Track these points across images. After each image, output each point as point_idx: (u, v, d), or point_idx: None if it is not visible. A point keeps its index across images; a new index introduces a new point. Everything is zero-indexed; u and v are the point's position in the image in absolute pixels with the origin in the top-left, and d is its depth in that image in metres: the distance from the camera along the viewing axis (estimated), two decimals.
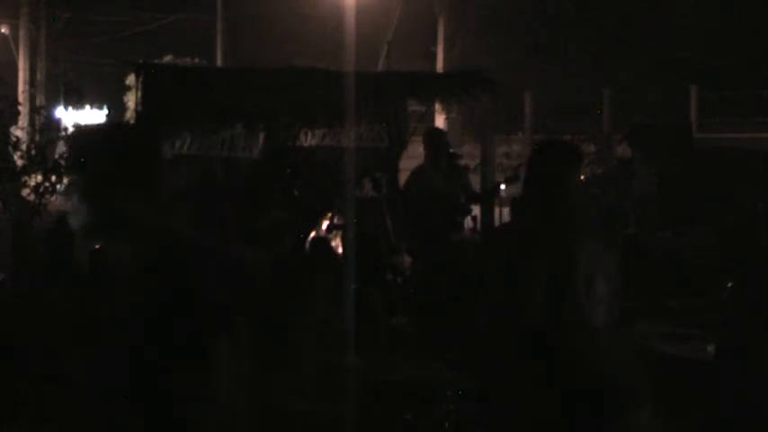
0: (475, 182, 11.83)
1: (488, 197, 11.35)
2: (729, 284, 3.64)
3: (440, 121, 22.01)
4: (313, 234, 9.44)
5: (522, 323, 3.34)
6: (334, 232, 10.13)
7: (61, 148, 13.07)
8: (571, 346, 3.20)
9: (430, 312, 9.19)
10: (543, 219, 3.87)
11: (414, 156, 12.86)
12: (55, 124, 16.31)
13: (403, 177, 11.89)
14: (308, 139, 11.19)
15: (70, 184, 11.70)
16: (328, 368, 6.31)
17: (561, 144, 4.42)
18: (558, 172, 3.89)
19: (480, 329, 4.00)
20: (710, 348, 5.82)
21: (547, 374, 3.19)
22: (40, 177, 12.10)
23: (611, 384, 3.17)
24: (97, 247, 3.56)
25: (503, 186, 9.86)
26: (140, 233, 2.90)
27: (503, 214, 11.47)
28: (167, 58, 26.23)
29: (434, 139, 9.94)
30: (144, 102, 9.99)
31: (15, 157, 12.42)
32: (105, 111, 23.76)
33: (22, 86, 26.30)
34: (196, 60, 27.75)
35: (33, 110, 20.15)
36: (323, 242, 8.66)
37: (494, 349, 3.75)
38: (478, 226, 10.81)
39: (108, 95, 24.86)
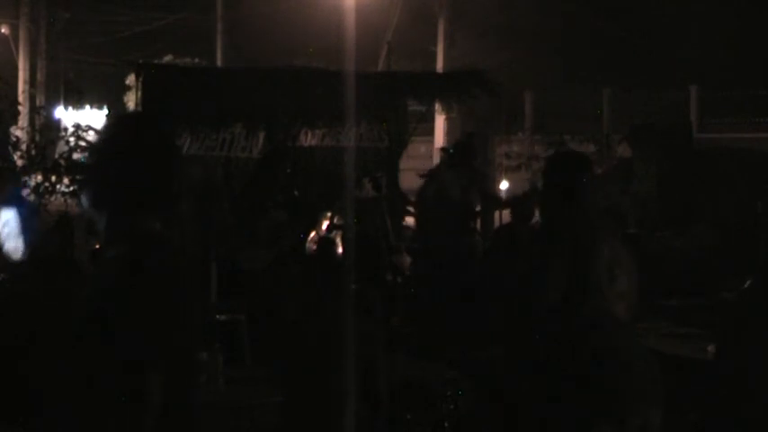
0: None
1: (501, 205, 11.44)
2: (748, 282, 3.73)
3: (440, 121, 22.02)
4: (313, 234, 9.44)
5: (544, 318, 3.36)
6: (334, 232, 10.12)
7: (62, 147, 13.07)
8: (593, 342, 3.20)
9: (430, 312, 9.20)
10: (562, 219, 4.43)
11: (414, 156, 12.88)
12: (55, 124, 16.34)
13: (403, 177, 11.92)
14: (308, 139, 11.20)
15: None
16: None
17: (573, 154, 5.61)
18: (575, 177, 4.72)
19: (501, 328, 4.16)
20: (710, 348, 5.82)
21: (568, 375, 3.18)
22: (40, 177, 12.11)
23: (632, 381, 3.18)
24: (97, 246, 3.55)
25: (504, 187, 9.95)
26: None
27: (503, 215, 11.47)
28: (167, 58, 26.23)
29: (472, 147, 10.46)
30: (144, 102, 10.02)
31: (15, 157, 12.42)
32: (105, 111, 23.77)
33: (22, 86, 26.27)
34: (196, 60, 27.76)
35: (33, 110, 20.18)
36: (328, 242, 8.64)
37: (513, 346, 3.90)
38: (478, 226, 10.81)
39: (108, 95, 24.89)
